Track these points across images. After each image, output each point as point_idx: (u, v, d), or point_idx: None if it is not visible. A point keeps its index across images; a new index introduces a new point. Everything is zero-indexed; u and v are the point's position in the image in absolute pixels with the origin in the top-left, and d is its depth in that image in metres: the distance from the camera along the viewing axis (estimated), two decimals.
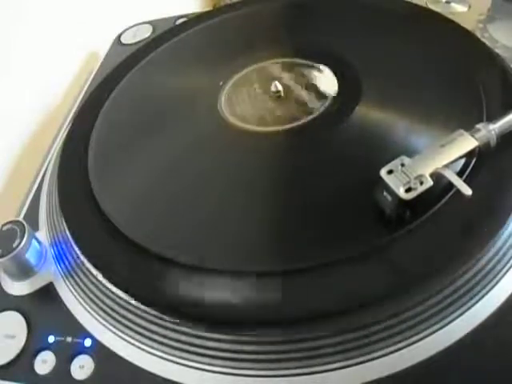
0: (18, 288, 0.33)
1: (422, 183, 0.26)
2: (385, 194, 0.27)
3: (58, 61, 0.51)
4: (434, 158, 0.27)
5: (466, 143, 0.28)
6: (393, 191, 0.27)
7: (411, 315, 0.25)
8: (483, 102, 0.33)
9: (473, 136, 0.28)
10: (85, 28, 0.54)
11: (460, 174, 0.28)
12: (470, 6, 0.45)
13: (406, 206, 0.27)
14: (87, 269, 0.31)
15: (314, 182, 0.32)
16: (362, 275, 0.26)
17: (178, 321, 0.27)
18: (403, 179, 0.27)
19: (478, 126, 0.29)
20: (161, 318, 0.27)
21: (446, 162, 0.27)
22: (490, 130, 0.28)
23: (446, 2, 0.46)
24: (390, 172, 0.27)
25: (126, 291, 0.28)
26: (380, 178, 0.27)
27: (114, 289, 0.29)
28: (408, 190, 0.26)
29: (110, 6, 0.59)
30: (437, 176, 0.27)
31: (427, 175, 0.27)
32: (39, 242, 0.33)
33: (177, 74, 0.44)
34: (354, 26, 0.43)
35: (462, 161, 0.29)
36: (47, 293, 0.32)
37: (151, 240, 0.30)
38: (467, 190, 0.26)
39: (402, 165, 0.27)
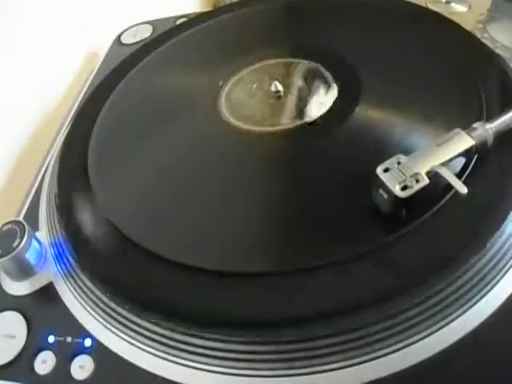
0: (18, 288, 0.33)
1: (417, 181, 0.26)
2: (381, 191, 0.27)
3: (58, 61, 0.51)
4: (431, 157, 0.27)
5: (463, 142, 0.28)
6: (389, 189, 0.27)
7: (411, 315, 0.25)
8: (483, 102, 0.33)
9: (469, 135, 0.28)
10: (85, 28, 0.54)
11: (459, 173, 0.28)
12: (470, 6, 0.45)
13: (403, 204, 0.27)
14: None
15: (314, 182, 0.32)
16: (362, 275, 0.26)
17: (175, 323, 0.27)
18: (399, 177, 0.27)
19: (475, 124, 0.29)
20: (160, 319, 0.27)
21: (442, 160, 0.27)
22: (487, 129, 0.28)
23: (446, 2, 0.46)
24: (386, 170, 0.27)
25: (123, 293, 0.28)
26: (376, 176, 0.27)
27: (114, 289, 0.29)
28: (404, 188, 0.26)
29: (110, 5, 0.59)
30: (434, 175, 0.27)
31: (423, 173, 0.27)
32: (39, 242, 0.33)
33: (177, 74, 0.44)
34: (354, 26, 0.43)
35: (462, 160, 0.29)
36: (47, 293, 0.32)
37: (151, 240, 0.30)
38: (463, 189, 0.26)
39: (399, 163, 0.27)
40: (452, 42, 0.38)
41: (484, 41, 0.38)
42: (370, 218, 0.28)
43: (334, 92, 0.37)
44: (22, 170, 0.46)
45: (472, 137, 0.28)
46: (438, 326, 0.25)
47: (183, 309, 0.27)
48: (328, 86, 0.37)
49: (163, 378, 0.27)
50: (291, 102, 0.37)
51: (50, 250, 0.34)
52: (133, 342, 0.28)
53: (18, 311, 0.32)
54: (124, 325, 0.29)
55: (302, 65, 0.40)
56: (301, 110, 0.36)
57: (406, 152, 0.28)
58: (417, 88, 0.35)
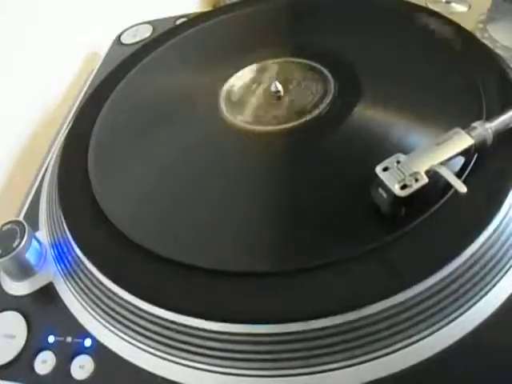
0: (18, 288, 0.33)
1: (417, 180, 0.26)
2: (380, 191, 0.27)
3: (57, 61, 0.52)
4: (430, 156, 0.27)
5: (462, 141, 0.28)
6: (388, 188, 0.27)
7: (411, 315, 0.25)
8: (483, 102, 0.33)
9: (469, 134, 0.28)
10: (85, 28, 0.54)
11: (458, 172, 0.28)
12: (470, 6, 0.45)
13: (402, 203, 0.27)
14: (87, 269, 0.31)
15: (313, 182, 0.31)
16: (362, 275, 0.26)
17: (177, 321, 0.27)
18: (398, 176, 0.27)
19: (475, 124, 0.29)
20: (161, 318, 0.27)
21: (441, 159, 0.27)
22: (487, 129, 0.28)
23: (446, 2, 0.46)
24: (385, 169, 0.27)
25: (126, 291, 0.28)
26: (376, 175, 0.27)
27: (115, 288, 0.29)
28: (403, 187, 0.26)
29: (110, 5, 0.59)
30: (433, 174, 0.27)
31: (422, 172, 0.27)
32: (39, 242, 0.33)
33: (177, 74, 0.44)
34: (354, 25, 0.43)
35: (461, 159, 0.29)
36: (47, 293, 0.32)
37: (151, 240, 0.30)
38: (462, 188, 0.26)
39: (398, 162, 0.27)
40: (452, 42, 0.38)
41: (484, 41, 0.38)
42: (370, 217, 0.28)
43: (333, 91, 0.37)
44: (21, 170, 0.46)
45: (471, 136, 0.28)
46: (437, 325, 0.25)
47: (183, 308, 0.27)
48: (328, 86, 0.37)
49: (163, 378, 0.27)
50: (291, 101, 0.37)
51: (49, 250, 0.34)
52: (133, 341, 0.28)
53: (18, 311, 0.32)
54: (124, 325, 0.29)
55: (302, 65, 0.40)
56: (300, 110, 0.36)
57: (406, 151, 0.28)
58: (417, 88, 0.35)
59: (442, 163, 0.27)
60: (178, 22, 0.52)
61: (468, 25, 0.40)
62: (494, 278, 0.26)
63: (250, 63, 0.42)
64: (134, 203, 0.34)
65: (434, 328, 0.25)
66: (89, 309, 0.30)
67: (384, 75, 0.37)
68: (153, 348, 0.28)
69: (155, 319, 0.28)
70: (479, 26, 0.42)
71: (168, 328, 0.27)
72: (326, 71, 0.38)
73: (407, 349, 0.25)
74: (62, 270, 0.32)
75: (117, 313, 0.29)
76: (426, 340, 0.25)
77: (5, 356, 0.30)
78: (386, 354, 0.25)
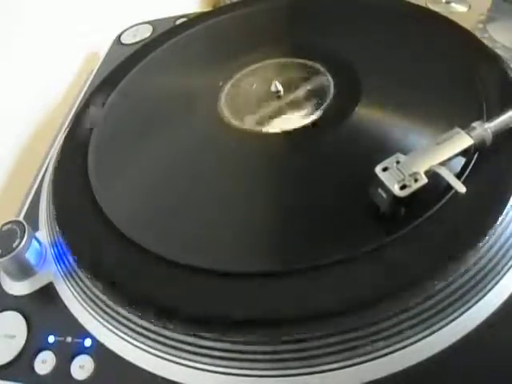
0: (18, 288, 0.33)
1: (416, 181, 0.26)
2: (380, 191, 0.27)
3: (57, 61, 0.52)
4: (429, 156, 0.27)
5: (462, 141, 0.28)
6: (387, 188, 0.26)
7: (411, 315, 0.25)
8: (483, 102, 0.33)
9: (468, 134, 0.28)
10: (85, 28, 0.54)
11: (458, 172, 0.28)
12: (470, 6, 0.45)
13: (402, 203, 0.27)
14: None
15: (313, 182, 0.32)
16: (362, 275, 0.26)
17: (177, 324, 0.27)
18: (398, 176, 0.27)
19: (474, 124, 0.29)
20: (160, 320, 0.27)
21: (440, 159, 0.27)
22: (486, 129, 0.29)
23: (446, 2, 0.46)
24: (385, 169, 0.27)
25: (123, 295, 0.28)
26: (375, 175, 0.27)
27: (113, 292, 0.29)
28: (403, 188, 0.26)
29: (110, 6, 0.59)
30: (433, 174, 0.27)
31: (422, 173, 0.27)
32: (39, 242, 0.33)
33: (177, 74, 0.44)
34: (354, 25, 0.43)
35: (461, 160, 0.29)
36: (47, 293, 0.32)
37: (151, 240, 0.30)
38: (461, 188, 0.26)
39: (398, 162, 0.27)
40: (452, 42, 0.38)
41: (484, 41, 0.38)
42: (369, 217, 0.28)
43: (333, 91, 0.37)
44: (22, 169, 0.46)
45: (471, 136, 0.28)
46: (438, 325, 0.25)
47: (183, 309, 0.27)
48: (328, 86, 0.37)
49: (163, 378, 0.27)
50: (291, 101, 0.37)
51: (49, 250, 0.34)
52: (133, 341, 0.28)
53: (18, 311, 0.32)
54: (124, 325, 0.29)
55: (302, 65, 0.40)
56: (300, 110, 0.36)
57: (405, 151, 0.28)
58: (417, 88, 0.35)
59: (442, 163, 0.27)
60: (178, 21, 0.52)
61: (468, 25, 0.40)
62: (494, 277, 0.26)
63: (250, 63, 0.42)
64: (133, 203, 0.34)
65: (434, 328, 0.25)
66: (89, 309, 0.30)
67: (384, 75, 0.37)
68: (153, 348, 0.28)
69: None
70: (479, 25, 0.42)
71: (168, 328, 0.27)
72: (325, 71, 0.38)
73: (407, 349, 0.25)
74: (62, 269, 0.32)
75: (117, 313, 0.29)
76: (426, 340, 0.25)
77: (5, 356, 0.30)
78: (385, 354, 0.25)
